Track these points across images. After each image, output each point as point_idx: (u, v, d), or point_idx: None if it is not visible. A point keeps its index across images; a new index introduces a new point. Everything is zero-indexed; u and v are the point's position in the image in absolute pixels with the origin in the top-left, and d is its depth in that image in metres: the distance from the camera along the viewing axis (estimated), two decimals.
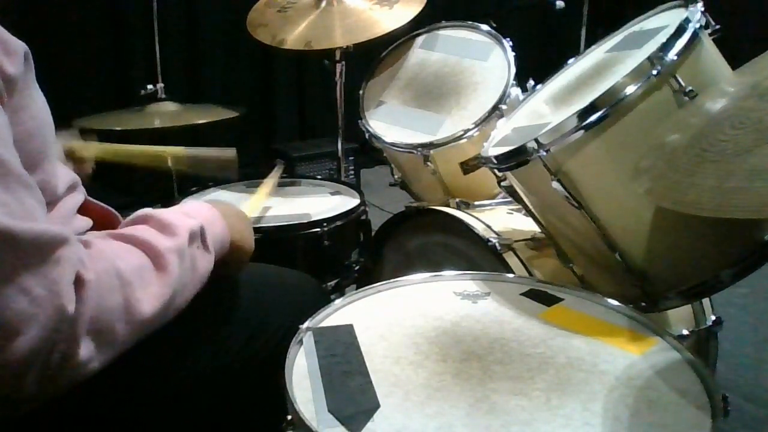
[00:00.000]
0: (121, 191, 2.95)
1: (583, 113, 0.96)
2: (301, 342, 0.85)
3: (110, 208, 0.96)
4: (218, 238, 0.86)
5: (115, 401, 0.80)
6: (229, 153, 1.48)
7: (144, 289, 0.70)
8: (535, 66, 1.51)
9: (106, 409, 0.80)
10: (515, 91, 1.48)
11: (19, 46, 0.70)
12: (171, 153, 1.44)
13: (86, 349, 0.63)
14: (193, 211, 0.85)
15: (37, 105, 0.74)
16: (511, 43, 1.61)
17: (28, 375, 0.60)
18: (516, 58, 1.57)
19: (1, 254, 0.58)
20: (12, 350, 0.58)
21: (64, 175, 0.85)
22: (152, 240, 0.74)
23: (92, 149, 1.33)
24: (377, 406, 0.72)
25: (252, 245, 0.97)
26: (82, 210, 0.89)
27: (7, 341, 0.58)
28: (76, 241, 0.65)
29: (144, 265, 0.72)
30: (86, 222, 0.89)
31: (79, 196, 0.89)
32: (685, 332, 1.20)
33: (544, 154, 0.99)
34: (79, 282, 0.63)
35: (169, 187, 2.13)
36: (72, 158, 1.30)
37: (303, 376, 0.78)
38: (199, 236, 0.81)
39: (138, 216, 0.80)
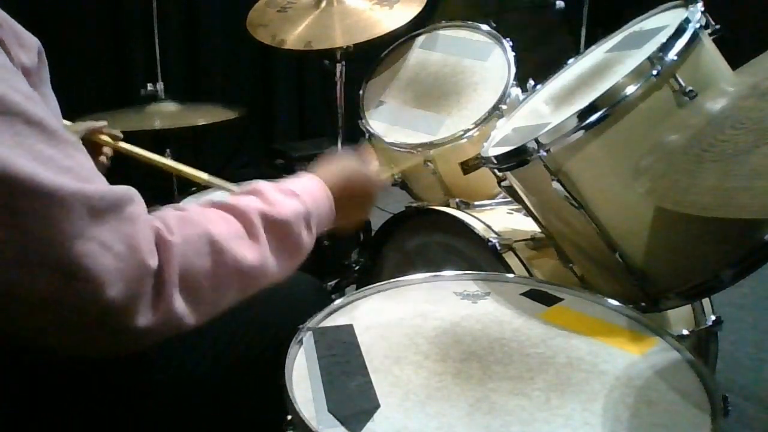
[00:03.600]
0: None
1: (583, 113, 0.96)
2: (301, 342, 0.85)
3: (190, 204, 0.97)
4: (323, 218, 0.87)
5: (116, 401, 0.80)
6: None
7: (236, 255, 0.72)
8: (535, 66, 1.51)
9: (107, 409, 0.80)
10: (515, 91, 1.48)
11: (33, 41, 0.71)
12: (193, 177, 1.41)
13: (177, 303, 0.66)
14: (307, 193, 0.85)
15: (49, 104, 0.75)
16: (511, 43, 1.61)
17: (126, 320, 0.62)
18: (516, 58, 1.57)
19: (80, 215, 0.60)
20: (102, 299, 0.60)
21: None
22: (251, 210, 0.76)
23: (113, 142, 1.32)
24: (377, 406, 0.72)
25: (368, 201, 0.99)
26: None
27: (96, 292, 0.60)
28: (140, 199, 0.67)
29: (237, 231, 0.74)
30: None
31: None
32: (685, 332, 1.20)
33: (544, 154, 0.99)
34: (162, 242, 0.65)
35: (168, 187, 2.13)
36: (90, 141, 1.29)
37: (303, 376, 0.78)
38: (302, 219, 0.81)
39: (249, 189, 0.81)
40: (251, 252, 0.74)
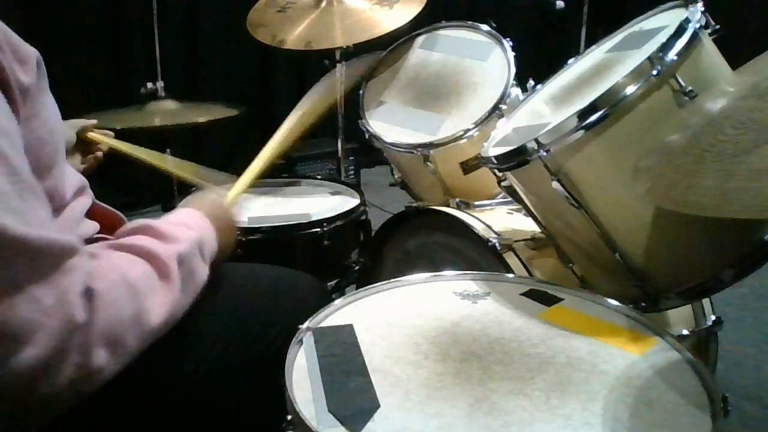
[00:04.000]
0: (122, 191, 2.95)
1: (584, 113, 0.96)
2: (301, 342, 0.85)
3: (116, 210, 0.97)
4: (212, 251, 0.87)
5: (116, 402, 0.80)
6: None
7: (152, 298, 0.71)
8: (535, 66, 1.51)
9: (107, 409, 0.80)
10: (515, 91, 1.48)
11: (32, 52, 0.70)
12: (179, 175, 1.41)
13: (100, 358, 0.63)
14: (192, 222, 0.86)
15: (48, 111, 0.75)
16: (511, 43, 1.61)
17: (39, 385, 0.59)
18: (516, 58, 1.57)
19: (14, 261, 0.58)
20: (20, 359, 0.57)
21: (72, 178, 0.85)
22: (155, 249, 0.74)
23: (105, 138, 1.33)
24: (377, 406, 0.72)
25: (232, 245, 0.99)
26: (88, 213, 0.89)
27: (16, 350, 0.57)
28: (84, 251, 0.64)
29: (149, 274, 0.72)
30: (93, 226, 0.90)
31: (87, 199, 0.89)
32: (685, 332, 1.20)
33: (544, 154, 0.99)
34: (89, 293, 0.63)
35: (168, 187, 2.13)
36: (84, 140, 1.30)
37: (303, 376, 0.78)
38: (197, 248, 0.82)
39: (137, 226, 0.80)
40: (165, 292, 0.73)
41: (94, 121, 1.35)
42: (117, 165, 1.39)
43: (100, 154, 1.33)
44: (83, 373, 0.62)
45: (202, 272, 0.82)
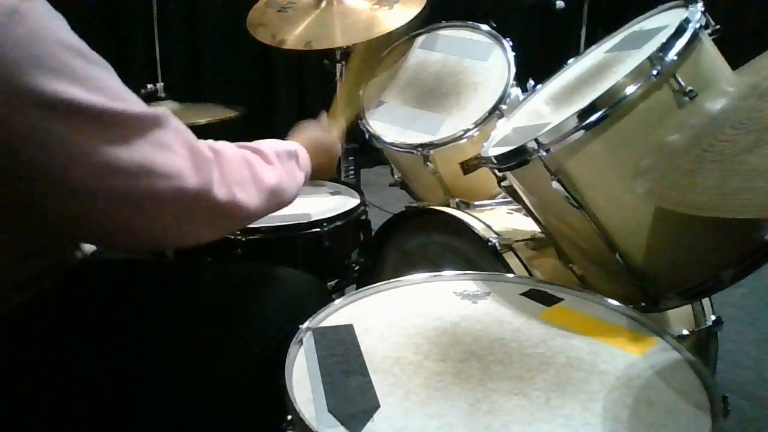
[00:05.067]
0: None
1: (583, 113, 0.96)
2: (301, 342, 0.84)
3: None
4: (306, 167, 1.08)
5: (115, 402, 0.80)
6: None
7: (261, 169, 0.91)
8: (535, 66, 1.51)
9: (107, 409, 0.80)
10: (515, 91, 1.47)
11: None
12: None
13: (239, 192, 0.84)
14: (289, 143, 1.06)
15: None
16: (511, 43, 1.61)
17: (203, 202, 0.79)
18: (516, 58, 1.57)
19: (149, 126, 0.74)
20: (184, 187, 0.76)
21: None
22: (263, 149, 0.96)
23: None
24: (377, 406, 0.72)
25: (331, 166, 1.24)
26: None
27: (183, 183, 0.76)
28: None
29: (256, 159, 0.92)
30: None
31: None
32: (685, 332, 1.20)
33: (544, 154, 0.99)
34: (212, 148, 0.82)
35: None
36: None
37: (303, 376, 0.78)
38: (295, 156, 1.03)
39: (249, 144, 0.98)
40: (270, 172, 0.93)
41: None
42: None
43: None
44: (232, 201, 0.82)
45: (299, 176, 1.03)
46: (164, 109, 0.78)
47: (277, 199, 0.94)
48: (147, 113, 0.74)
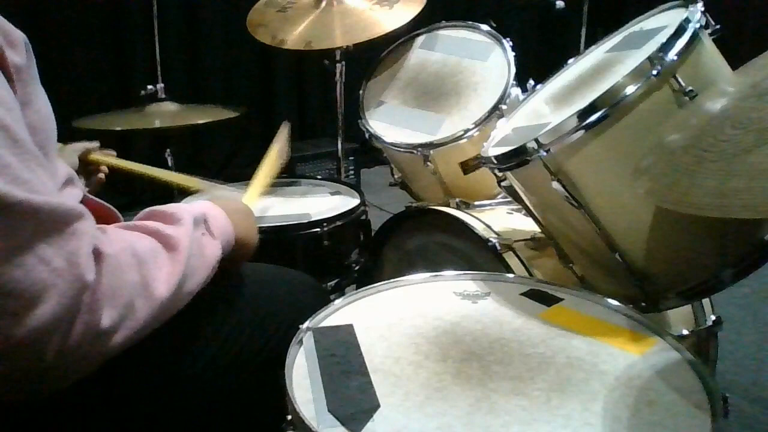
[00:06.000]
0: (121, 191, 2.95)
1: (583, 113, 0.96)
2: (301, 342, 0.85)
3: (110, 205, 0.97)
4: (222, 230, 0.88)
5: (115, 401, 0.80)
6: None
7: (158, 269, 0.73)
8: (535, 66, 1.51)
9: (106, 409, 0.80)
10: (515, 91, 1.47)
11: (20, 36, 0.70)
12: (184, 184, 1.43)
13: (108, 319, 0.65)
14: (196, 206, 0.88)
15: (39, 100, 0.74)
16: (511, 43, 1.61)
17: (49, 344, 0.61)
18: (516, 58, 1.57)
19: (23, 225, 0.60)
20: (32, 318, 0.59)
21: (61, 168, 0.85)
22: (159, 227, 0.77)
23: (108, 159, 1.36)
24: (377, 406, 0.72)
25: (255, 240, 1.00)
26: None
27: (28, 309, 0.59)
28: (90, 216, 0.66)
29: (156, 247, 0.74)
30: None
31: (77, 190, 0.89)
32: (685, 332, 1.20)
33: (544, 154, 0.99)
34: (97, 255, 0.65)
35: (168, 188, 2.13)
36: (86, 161, 1.33)
37: (303, 376, 0.78)
38: (203, 223, 0.84)
39: (142, 213, 0.83)
40: (171, 263, 0.75)
41: (96, 144, 1.38)
42: (125, 173, 1.41)
43: (102, 175, 1.36)
44: (92, 333, 0.64)
45: (212, 247, 0.84)
46: (73, 206, 0.64)
47: (180, 296, 0.76)
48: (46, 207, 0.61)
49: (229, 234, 0.90)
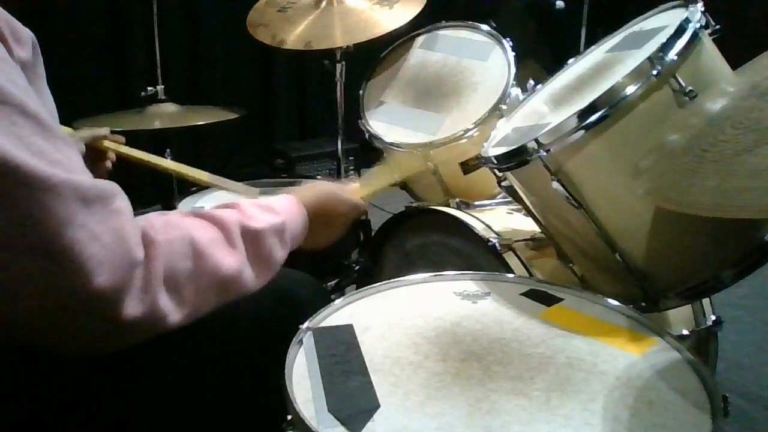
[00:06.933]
0: (124, 187, 2.95)
1: (583, 113, 0.96)
2: (301, 342, 0.85)
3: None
4: (297, 233, 0.93)
5: (115, 401, 0.80)
6: (252, 193, 1.46)
7: (218, 255, 0.76)
8: (535, 66, 1.51)
9: (106, 408, 0.80)
10: (515, 91, 1.47)
11: (28, 34, 0.71)
12: (194, 177, 1.44)
13: (165, 300, 0.69)
14: (279, 206, 0.91)
15: (44, 98, 0.75)
16: (511, 43, 1.61)
17: (119, 304, 0.64)
18: (516, 58, 1.57)
19: (70, 201, 0.62)
20: (89, 289, 0.62)
21: None
22: (227, 218, 0.80)
23: (117, 146, 1.35)
24: (377, 406, 0.72)
25: (335, 232, 1.06)
26: None
27: (84, 282, 0.62)
28: (123, 193, 0.69)
29: (217, 237, 0.77)
30: None
31: None
32: (685, 332, 1.20)
33: (544, 154, 0.99)
34: (148, 241, 0.68)
35: (169, 187, 2.13)
36: (94, 148, 1.31)
37: (303, 376, 0.78)
38: (279, 232, 0.87)
39: (228, 203, 0.86)
40: (229, 258, 0.78)
41: (106, 130, 1.37)
42: (118, 163, 1.40)
43: (109, 164, 1.35)
44: (149, 310, 0.67)
45: (278, 255, 0.87)
46: (110, 184, 0.67)
47: (229, 294, 0.79)
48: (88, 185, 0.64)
49: (301, 236, 0.95)
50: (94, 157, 1.33)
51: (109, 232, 0.63)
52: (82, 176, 0.64)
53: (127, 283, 0.64)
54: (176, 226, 0.73)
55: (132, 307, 0.65)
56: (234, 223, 0.80)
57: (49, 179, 0.60)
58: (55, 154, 0.63)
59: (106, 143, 1.34)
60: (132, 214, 0.68)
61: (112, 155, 1.37)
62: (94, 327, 0.65)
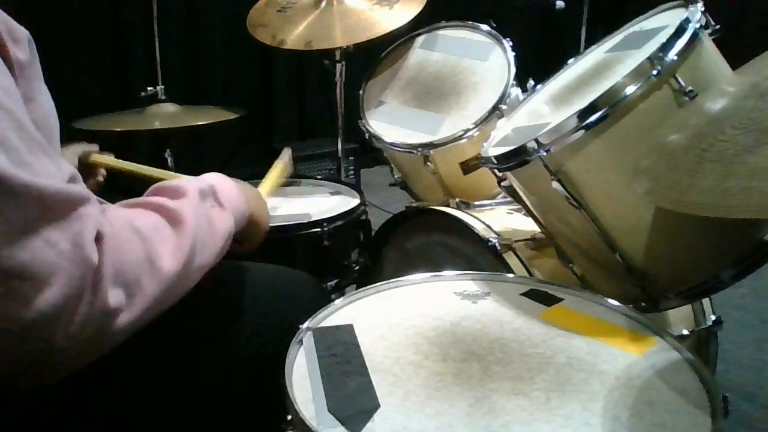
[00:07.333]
0: (121, 191, 2.95)
1: (583, 113, 0.96)
2: (301, 342, 0.85)
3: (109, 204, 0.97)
4: (233, 202, 0.88)
5: (115, 401, 0.80)
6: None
7: (163, 244, 0.72)
8: (535, 66, 1.51)
9: (105, 408, 0.80)
10: (515, 91, 1.48)
11: (23, 33, 0.71)
12: None
13: (114, 297, 0.65)
14: (203, 178, 0.87)
15: (42, 96, 0.75)
16: (511, 43, 1.61)
17: (58, 327, 0.61)
18: (516, 58, 1.57)
19: (29, 208, 0.60)
20: (41, 301, 0.60)
21: (65, 166, 0.85)
22: (163, 202, 0.77)
23: (108, 160, 1.37)
24: (377, 406, 0.72)
25: (268, 222, 1.01)
26: None
27: (37, 292, 0.59)
28: (95, 201, 0.66)
29: (159, 222, 0.74)
30: None
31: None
32: (685, 332, 1.20)
33: (545, 154, 0.99)
34: (98, 236, 0.65)
35: None
36: (85, 164, 1.34)
37: (303, 376, 0.78)
38: (210, 195, 0.84)
39: (149, 189, 0.83)
40: (176, 240, 0.74)
41: (95, 146, 1.39)
42: (116, 171, 1.41)
43: (101, 178, 1.37)
44: (99, 313, 0.64)
45: (223, 218, 0.83)
46: (81, 191, 0.65)
47: (190, 271, 0.75)
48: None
49: (241, 205, 0.90)
50: (85, 172, 1.35)
51: (67, 239, 0.61)
52: (48, 180, 0.61)
53: (79, 290, 0.62)
54: (120, 217, 0.71)
55: (80, 315, 0.62)
56: (172, 203, 0.77)
57: (10, 179, 0.58)
58: (27, 156, 0.61)
59: (95, 157, 1.36)
60: (97, 218, 0.65)
61: (102, 170, 1.39)
62: (37, 346, 0.62)
